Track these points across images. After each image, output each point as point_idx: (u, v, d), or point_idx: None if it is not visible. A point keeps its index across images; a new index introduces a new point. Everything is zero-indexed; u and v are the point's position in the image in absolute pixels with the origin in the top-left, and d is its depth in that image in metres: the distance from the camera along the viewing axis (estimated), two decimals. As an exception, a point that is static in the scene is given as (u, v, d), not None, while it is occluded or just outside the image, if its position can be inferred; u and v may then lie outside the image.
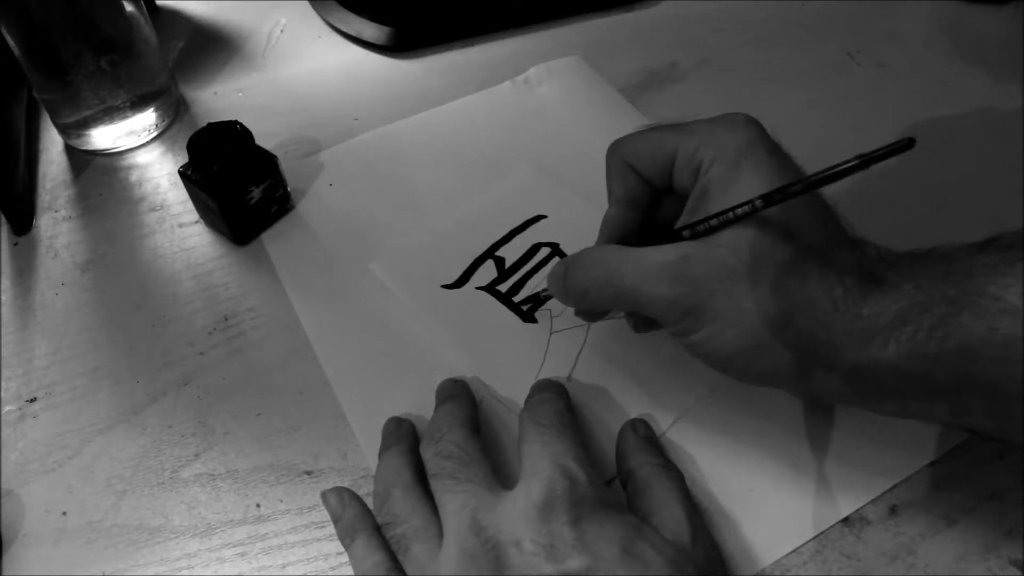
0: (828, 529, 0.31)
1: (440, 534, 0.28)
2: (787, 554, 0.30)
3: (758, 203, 0.27)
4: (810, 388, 0.28)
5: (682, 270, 0.28)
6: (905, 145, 0.24)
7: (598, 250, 0.32)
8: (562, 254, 0.40)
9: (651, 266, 0.29)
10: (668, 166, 0.31)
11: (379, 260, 0.41)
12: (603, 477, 0.32)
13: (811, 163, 0.44)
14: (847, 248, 0.28)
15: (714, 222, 0.28)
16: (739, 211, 0.27)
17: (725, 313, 0.28)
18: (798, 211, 0.28)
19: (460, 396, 0.34)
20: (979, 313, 0.24)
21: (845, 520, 0.31)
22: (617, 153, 0.32)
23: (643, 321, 0.33)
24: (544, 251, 0.41)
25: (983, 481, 0.32)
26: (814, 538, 0.31)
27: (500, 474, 0.31)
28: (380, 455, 0.32)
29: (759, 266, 0.27)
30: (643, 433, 0.33)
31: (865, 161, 0.24)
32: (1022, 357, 0.23)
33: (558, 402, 0.32)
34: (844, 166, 0.25)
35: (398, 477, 0.30)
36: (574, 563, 0.26)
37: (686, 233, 0.29)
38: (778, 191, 0.27)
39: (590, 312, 0.34)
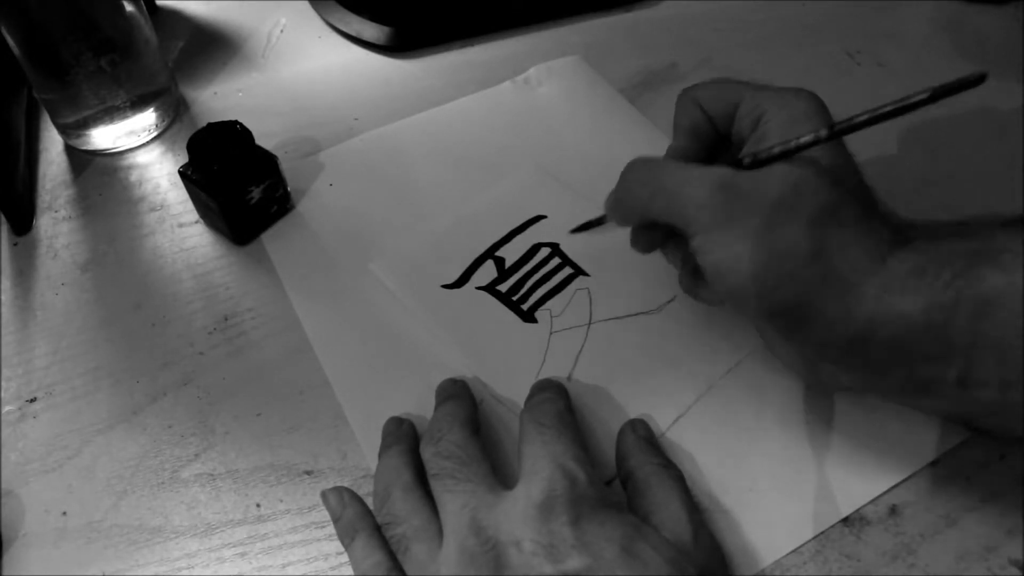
0: (828, 529, 0.31)
1: (440, 534, 0.28)
2: (787, 554, 0.30)
3: (823, 133, 0.27)
4: (817, 342, 0.28)
5: (728, 182, 0.28)
6: (976, 80, 0.24)
7: (652, 158, 0.32)
8: (562, 254, 0.40)
9: (697, 173, 0.30)
10: (732, 111, 0.32)
11: (379, 260, 0.41)
12: (603, 477, 0.32)
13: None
14: (880, 209, 0.29)
15: (776, 150, 0.29)
16: (802, 140, 0.28)
17: (759, 236, 0.27)
18: (844, 167, 0.28)
19: (460, 396, 0.34)
20: (999, 266, 0.25)
21: (845, 520, 0.31)
22: (688, 94, 0.34)
23: (667, 235, 0.34)
24: (544, 251, 0.41)
25: (983, 481, 0.32)
26: (814, 538, 0.31)
27: (500, 474, 0.31)
28: (380, 455, 0.32)
29: (804, 200, 0.27)
30: (642, 433, 0.33)
31: (935, 95, 0.25)
32: None
33: (558, 402, 0.32)
34: (914, 99, 0.25)
35: (398, 477, 0.30)
36: (574, 563, 0.26)
37: (746, 160, 0.30)
38: (844, 122, 0.27)
39: (637, 239, 0.34)
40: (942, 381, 0.26)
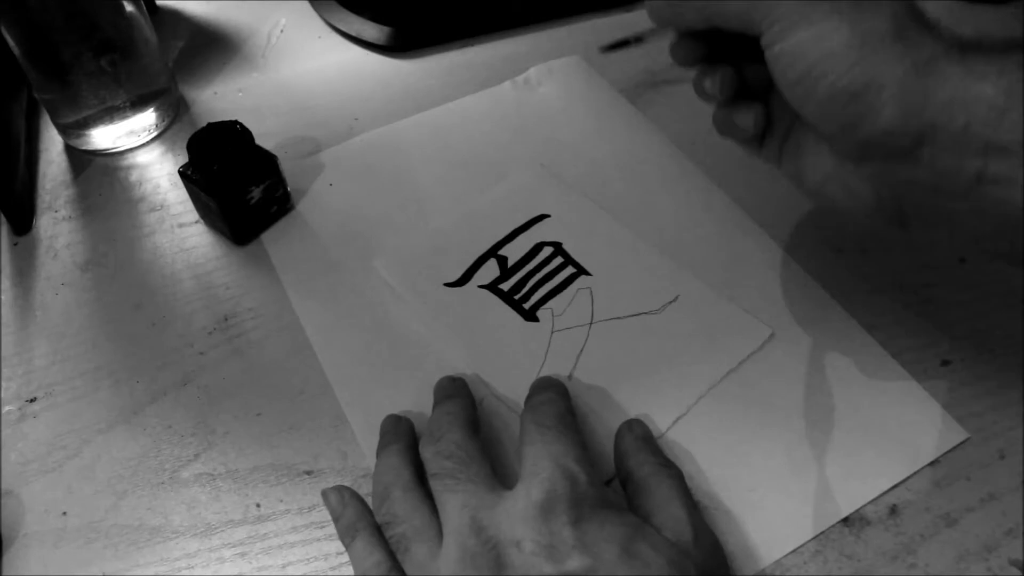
0: (828, 529, 0.31)
1: (440, 534, 0.28)
2: (787, 554, 0.30)
3: None
4: (882, 130, 0.26)
5: None
6: None
7: None
8: (564, 254, 0.40)
9: None
10: None
11: (381, 257, 0.41)
12: (604, 477, 0.32)
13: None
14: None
15: None
16: None
17: (843, 14, 0.26)
18: None
19: (459, 395, 0.33)
20: None
21: (845, 520, 0.31)
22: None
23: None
24: (547, 250, 0.41)
25: (983, 481, 0.32)
26: (814, 538, 0.31)
27: (500, 473, 0.31)
28: (378, 453, 0.32)
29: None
30: (640, 433, 0.33)
31: None
32: None
33: (560, 403, 0.32)
34: None
35: (397, 477, 0.30)
36: (574, 563, 0.26)
37: None
38: None
39: (679, 47, 0.32)
40: (1009, 186, 0.25)
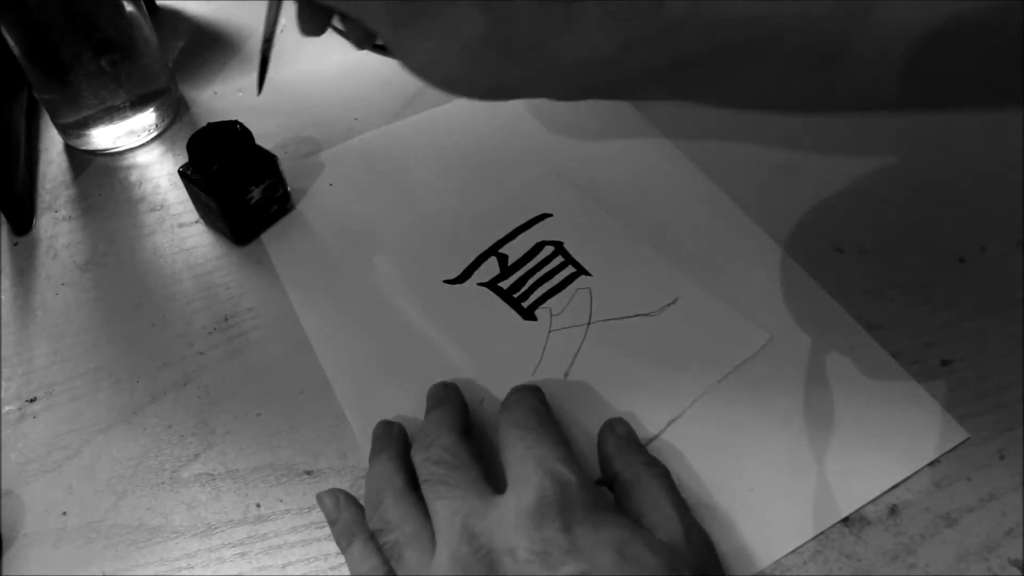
0: (828, 529, 0.31)
1: (433, 540, 0.28)
2: (787, 554, 0.30)
3: None
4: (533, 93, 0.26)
5: None
6: None
7: None
8: (565, 253, 0.40)
9: None
10: None
11: (381, 254, 0.41)
12: (594, 476, 0.32)
13: (810, 162, 0.44)
14: None
15: None
16: None
17: (444, 26, 0.25)
18: None
19: (450, 401, 0.33)
20: None
21: (845, 520, 0.31)
22: None
23: (365, 35, 0.31)
24: (548, 249, 0.41)
25: (983, 481, 0.32)
26: (814, 538, 0.31)
27: (494, 476, 0.30)
28: (370, 460, 0.32)
29: None
30: (623, 432, 0.33)
31: None
32: None
33: (532, 400, 0.32)
34: None
35: (389, 483, 0.30)
36: (569, 568, 0.25)
37: None
38: None
39: (308, 20, 0.31)
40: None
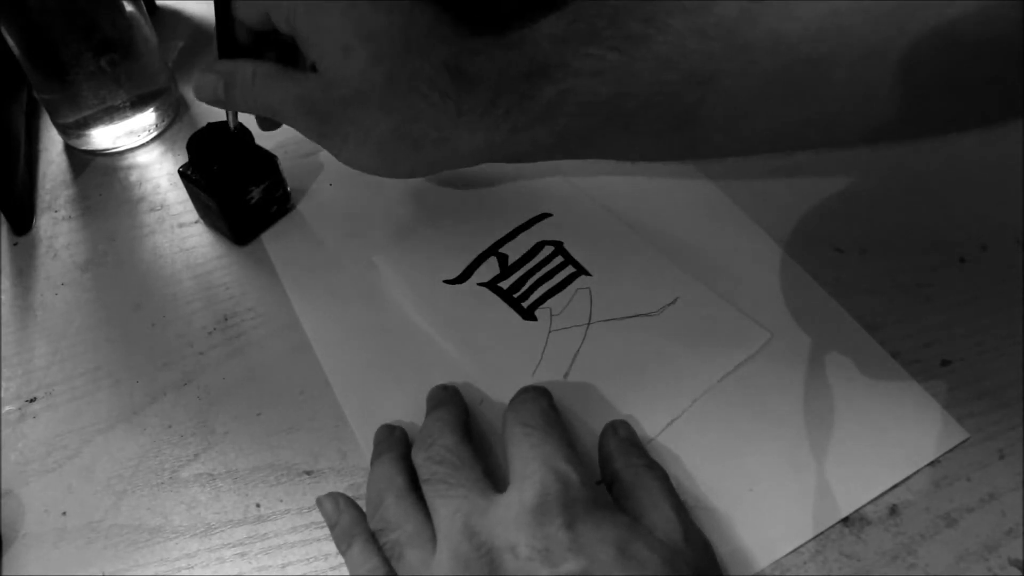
0: (828, 529, 0.31)
1: (434, 539, 0.28)
2: (787, 554, 0.30)
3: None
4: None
5: (305, 98, 0.33)
6: None
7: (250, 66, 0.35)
8: (565, 253, 0.40)
9: (284, 93, 0.33)
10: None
11: (381, 254, 0.41)
12: (595, 477, 0.32)
13: (810, 162, 0.44)
14: (442, 46, 0.31)
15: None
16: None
17: (359, 130, 0.32)
18: (402, 26, 0.31)
19: (451, 402, 0.33)
20: (547, 79, 0.29)
21: (845, 520, 0.31)
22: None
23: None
24: (547, 249, 0.41)
25: (983, 481, 0.32)
26: (814, 538, 0.31)
27: (494, 477, 0.31)
28: (372, 462, 0.32)
29: (365, 82, 0.31)
30: (624, 434, 0.33)
31: None
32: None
33: (541, 400, 0.32)
34: None
35: (390, 483, 0.30)
36: (570, 566, 0.25)
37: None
38: None
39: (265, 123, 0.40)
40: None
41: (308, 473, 0.34)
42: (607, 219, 0.42)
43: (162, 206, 0.45)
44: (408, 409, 0.35)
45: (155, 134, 0.49)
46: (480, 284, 0.39)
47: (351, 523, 0.31)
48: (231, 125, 0.39)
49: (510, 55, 0.30)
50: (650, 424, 0.34)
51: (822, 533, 0.31)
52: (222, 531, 0.33)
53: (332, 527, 0.31)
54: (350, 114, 0.31)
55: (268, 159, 0.41)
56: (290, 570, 0.31)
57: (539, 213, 0.42)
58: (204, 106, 0.50)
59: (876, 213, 0.41)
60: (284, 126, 0.48)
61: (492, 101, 0.29)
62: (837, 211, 0.41)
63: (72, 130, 0.47)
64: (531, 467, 0.28)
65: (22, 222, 0.44)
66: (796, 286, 0.38)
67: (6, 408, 0.37)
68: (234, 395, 0.37)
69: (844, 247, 0.40)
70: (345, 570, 0.31)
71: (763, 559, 0.30)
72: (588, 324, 0.37)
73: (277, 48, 0.36)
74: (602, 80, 0.28)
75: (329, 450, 0.35)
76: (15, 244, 0.44)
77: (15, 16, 0.41)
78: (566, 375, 0.36)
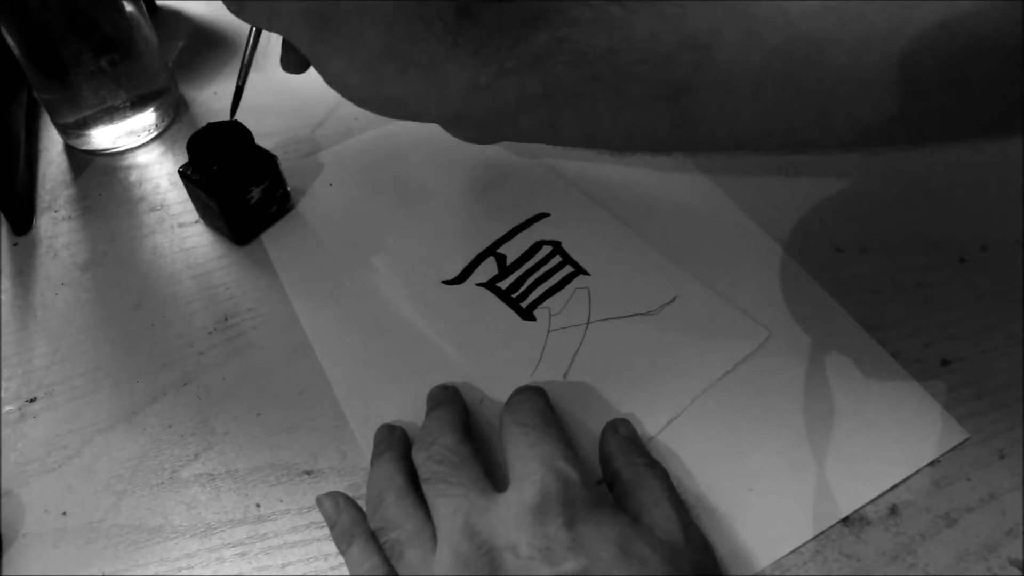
0: (828, 529, 0.31)
1: (434, 539, 0.28)
2: (787, 554, 0.30)
3: None
4: (429, 119, 0.31)
5: (313, 9, 0.29)
6: None
7: None
8: (563, 252, 0.40)
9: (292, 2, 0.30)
10: None
11: (380, 254, 0.41)
12: (596, 477, 0.32)
13: (810, 162, 0.44)
14: None
15: None
16: None
17: (352, 43, 0.29)
18: None
19: (451, 401, 0.33)
20: (546, 25, 0.27)
21: (845, 520, 0.31)
22: None
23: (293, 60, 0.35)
24: (546, 249, 0.41)
25: (983, 481, 0.32)
26: (814, 538, 0.31)
27: (495, 476, 0.31)
28: (372, 462, 0.32)
29: (372, 3, 0.29)
30: (625, 433, 0.33)
31: None
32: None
33: (538, 400, 0.32)
34: None
35: (391, 482, 0.30)
36: (571, 565, 0.25)
37: None
38: None
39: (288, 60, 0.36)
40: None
41: (308, 473, 0.34)
42: (605, 218, 0.42)
43: (162, 206, 0.45)
44: (408, 409, 0.35)
45: (155, 134, 0.49)
46: (479, 284, 0.39)
47: (351, 522, 0.31)
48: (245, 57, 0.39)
49: (514, 3, 0.29)
50: (650, 422, 0.34)
51: (822, 533, 0.31)
52: (222, 531, 0.33)
53: (332, 526, 0.31)
54: (351, 24, 0.30)
55: (268, 159, 0.41)
56: (290, 570, 0.31)
57: (537, 213, 0.42)
58: (204, 106, 0.51)
59: (876, 213, 0.41)
60: (284, 125, 0.49)
61: (486, 39, 0.28)
62: (837, 211, 0.41)
63: (72, 130, 0.47)
64: (530, 466, 0.28)
65: (22, 222, 0.44)
66: (796, 286, 0.38)
67: (6, 408, 0.37)
68: (234, 395, 0.37)
69: (844, 247, 0.40)
70: (345, 570, 0.31)
71: (763, 559, 0.30)
72: (587, 323, 0.37)
73: None
74: (597, 31, 0.27)
75: (329, 450, 0.35)
76: (15, 244, 0.44)
77: (15, 16, 0.42)
78: (565, 375, 0.36)
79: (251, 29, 0.38)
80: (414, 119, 0.31)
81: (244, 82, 0.41)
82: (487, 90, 0.29)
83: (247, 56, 0.40)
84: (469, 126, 0.33)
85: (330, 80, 0.32)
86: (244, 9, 0.32)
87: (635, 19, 0.27)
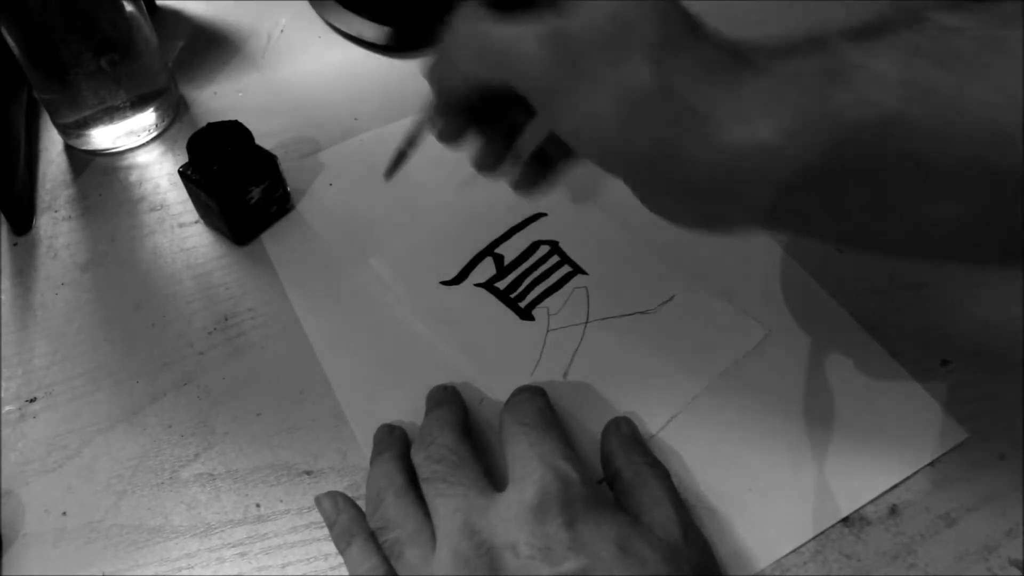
0: (828, 529, 0.31)
1: (433, 538, 0.28)
2: (787, 554, 0.30)
3: None
4: (684, 183, 0.25)
5: (558, 30, 0.25)
6: None
7: (474, 16, 0.28)
8: (561, 252, 0.40)
9: (522, 28, 0.26)
10: None
11: (378, 256, 0.41)
12: (596, 476, 0.32)
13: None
14: (707, 31, 0.25)
15: None
16: None
17: (602, 82, 0.24)
18: None
19: (450, 401, 0.33)
20: (846, 83, 0.22)
21: (845, 520, 0.31)
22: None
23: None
24: (543, 249, 0.41)
25: (983, 481, 0.32)
26: (814, 538, 0.31)
27: (494, 476, 0.31)
28: (372, 461, 0.32)
29: (634, 34, 0.24)
30: (627, 431, 0.33)
31: None
32: (897, 130, 0.21)
33: (538, 400, 0.32)
34: None
35: (390, 482, 0.30)
36: (571, 564, 0.25)
37: None
38: None
39: (447, 123, 0.31)
40: (811, 216, 0.24)
41: (308, 473, 0.34)
42: (602, 218, 0.42)
43: (162, 206, 0.45)
44: (408, 409, 0.35)
45: (155, 134, 0.49)
46: (477, 285, 0.39)
47: (350, 522, 0.31)
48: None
49: (797, 46, 0.24)
50: (650, 421, 0.34)
51: (822, 533, 0.31)
52: (222, 531, 0.33)
53: (331, 526, 0.31)
54: (606, 56, 0.24)
55: (268, 159, 0.41)
56: (290, 570, 0.31)
57: (534, 213, 0.42)
58: (204, 106, 0.51)
59: (876, 213, 0.41)
60: (284, 125, 0.49)
61: (774, 84, 0.23)
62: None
63: (72, 130, 0.47)
64: (530, 466, 0.28)
65: (22, 222, 0.44)
66: (796, 285, 0.38)
67: (6, 408, 0.37)
68: (234, 395, 0.37)
69: (844, 247, 0.40)
70: (345, 570, 0.31)
71: (763, 559, 0.30)
72: (586, 323, 0.37)
73: None
74: (909, 103, 0.21)
75: (329, 450, 0.35)
76: (15, 244, 0.44)
77: (15, 16, 0.42)
78: (565, 374, 0.36)
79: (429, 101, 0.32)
80: (660, 192, 0.27)
81: (410, 147, 0.36)
82: (767, 155, 0.23)
83: (419, 124, 0.34)
84: (723, 208, 0.26)
85: (566, 131, 0.26)
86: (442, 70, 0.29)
87: (963, 95, 0.21)
